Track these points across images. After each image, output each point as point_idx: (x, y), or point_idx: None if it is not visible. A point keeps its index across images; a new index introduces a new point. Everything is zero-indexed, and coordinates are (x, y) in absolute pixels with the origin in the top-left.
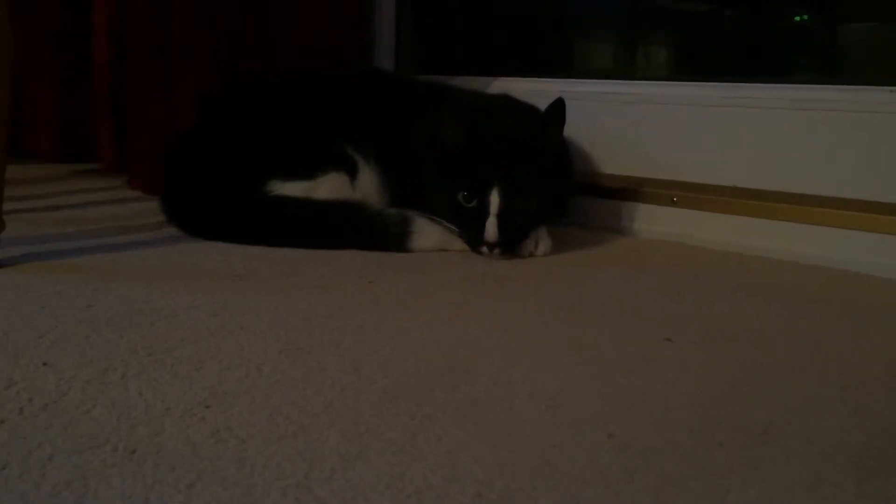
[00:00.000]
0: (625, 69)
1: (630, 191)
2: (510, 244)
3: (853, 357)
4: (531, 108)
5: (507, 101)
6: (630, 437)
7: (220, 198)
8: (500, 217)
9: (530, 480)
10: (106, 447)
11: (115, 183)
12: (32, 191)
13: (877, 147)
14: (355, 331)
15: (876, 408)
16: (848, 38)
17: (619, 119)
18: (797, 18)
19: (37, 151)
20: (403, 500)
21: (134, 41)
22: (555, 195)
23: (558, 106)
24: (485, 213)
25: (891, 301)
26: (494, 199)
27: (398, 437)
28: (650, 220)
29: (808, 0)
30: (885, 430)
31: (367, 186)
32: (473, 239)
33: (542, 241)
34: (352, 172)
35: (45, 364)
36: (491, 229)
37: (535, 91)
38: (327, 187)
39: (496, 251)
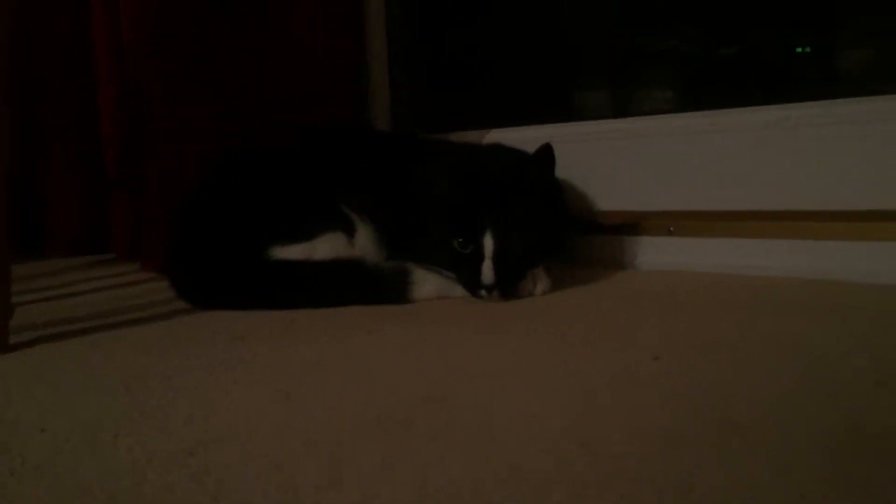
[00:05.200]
0: (614, 107)
1: (627, 225)
2: (507, 286)
3: (839, 359)
4: (520, 153)
5: (496, 148)
6: (602, 445)
7: (222, 268)
8: (496, 260)
9: (497, 487)
10: (87, 497)
11: (130, 268)
12: (48, 282)
13: (866, 156)
14: (345, 375)
15: (857, 402)
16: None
17: (611, 156)
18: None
19: (56, 243)
20: None
21: (140, 127)
22: (549, 235)
23: (546, 149)
24: (480, 258)
25: (888, 306)
26: (488, 243)
27: (373, 463)
28: (649, 252)
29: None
30: (865, 422)
31: (364, 242)
32: (471, 283)
33: (540, 280)
34: (348, 230)
35: (42, 430)
36: (487, 272)
37: (531, 139)
38: (325, 247)
39: (494, 293)
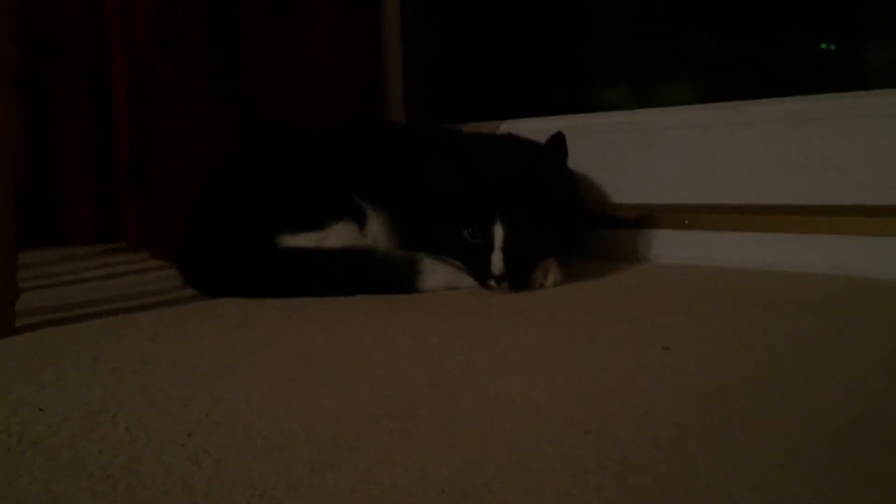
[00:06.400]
0: (631, 99)
1: (642, 218)
2: (517, 277)
3: (852, 354)
4: (531, 143)
5: (508, 138)
6: (607, 433)
7: (231, 255)
8: (506, 250)
9: (497, 475)
10: (83, 475)
11: (140, 257)
12: (57, 269)
13: (883, 150)
14: (351, 363)
15: (866, 393)
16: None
17: (626, 148)
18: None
19: (69, 234)
20: (368, 500)
21: (151, 123)
22: (561, 226)
23: (557, 138)
24: (490, 248)
25: None
26: (498, 233)
27: (372, 449)
28: (664, 246)
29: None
30: (872, 413)
31: (376, 232)
32: (481, 274)
33: (551, 272)
34: (360, 220)
35: (40, 409)
36: (497, 262)
37: (544, 130)
38: (337, 236)
39: (504, 284)
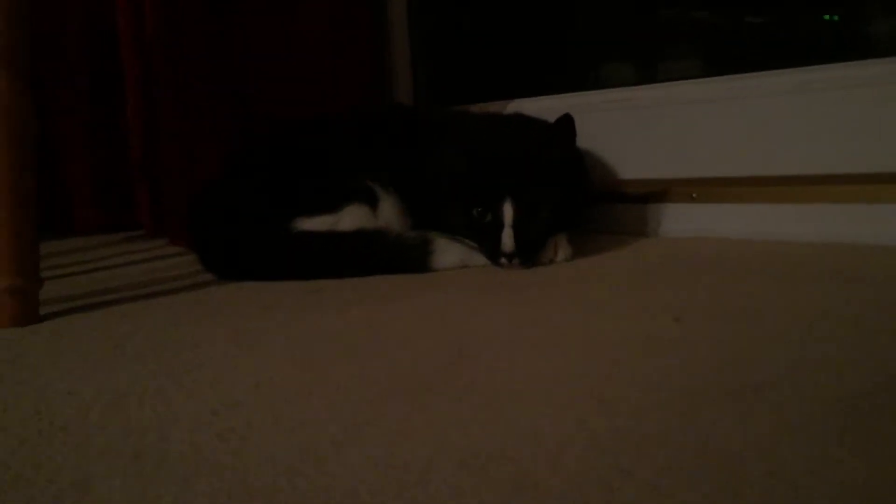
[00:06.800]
0: (637, 75)
1: (650, 193)
2: (527, 253)
3: (861, 323)
4: (540, 123)
5: (517, 118)
6: (621, 403)
7: (248, 239)
8: (515, 227)
9: (515, 445)
10: (112, 454)
11: (159, 243)
12: (77, 258)
13: (890, 118)
14: (369, 342)
15: (880, 360)
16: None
17: (633, 124)
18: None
19: (84, 222)
20: (389, 473)
21: (160, 114)
22: (569, 203)
23: (566, 118)
24: (500, 226)
25: None
26: (508, 211)
27: (393, 423)
28: (673, 220)
29: None
30: (882, 379)
31: (388, 214)
32: (491, 251)
33: (561, 247)
34: (372, 202)
35: (69, 393)
36: (507, 240)
37: (553, 108)
38: (350, 219)
39: (515, 261)
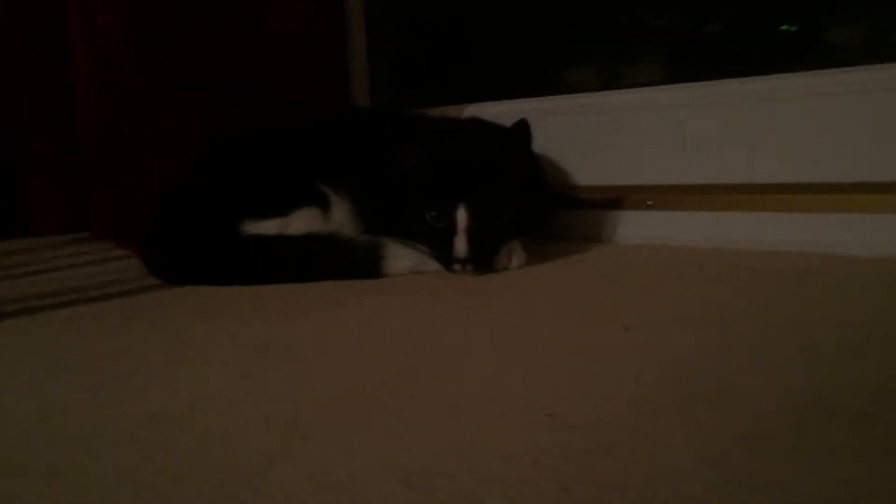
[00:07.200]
0: (596, 81)
1: (607, 200)
2: (481, 259)
3: (821, 328)
4: (496, 127)
5: (473, 122)
6: (569, 415)
7: (194, 243)
8: (469, 233)
9: (460, 461)
10: (24, 471)
11: (104, 246)
12: (20, 259)
13: (844, 127)
14: (313, 351)
15: (836, 368)
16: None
17: (591, 130)
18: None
19: (38, 225)
20: (325, 490)
21: (120, 116)
22: (525, 209)
23: (522, 124)
24: (453, 231)
25: (868, 276)
26: (462, 216)
27: (331, 437)
28: (629, 227)
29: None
30: (836, 390)
31: (340, 218)
32: (444, 257)
33: (515, 254)
34: (324, 206)
35: None
36: (460, 245)
37: (510, 112)
38: (300, 222)
39: (468, 267)
